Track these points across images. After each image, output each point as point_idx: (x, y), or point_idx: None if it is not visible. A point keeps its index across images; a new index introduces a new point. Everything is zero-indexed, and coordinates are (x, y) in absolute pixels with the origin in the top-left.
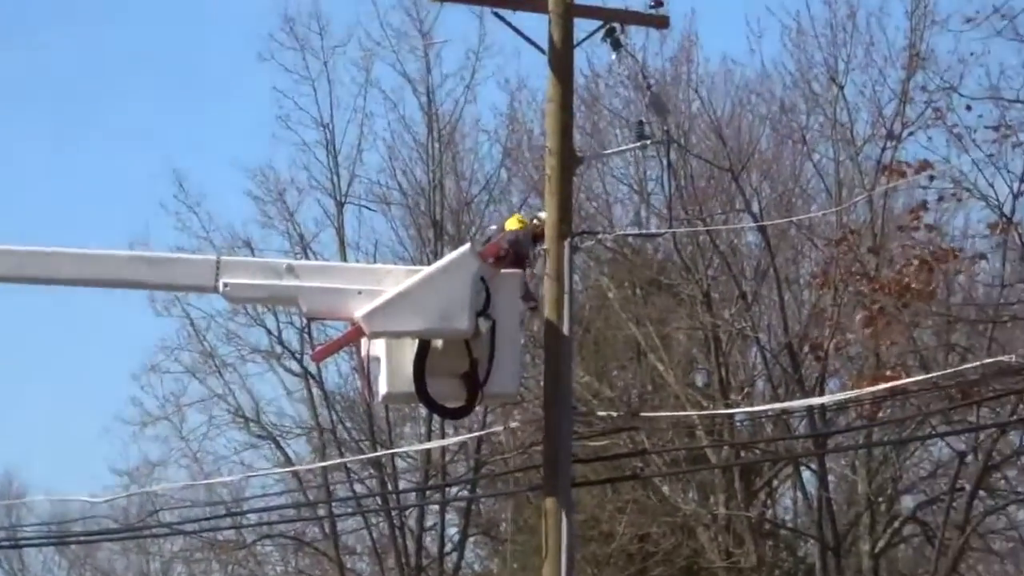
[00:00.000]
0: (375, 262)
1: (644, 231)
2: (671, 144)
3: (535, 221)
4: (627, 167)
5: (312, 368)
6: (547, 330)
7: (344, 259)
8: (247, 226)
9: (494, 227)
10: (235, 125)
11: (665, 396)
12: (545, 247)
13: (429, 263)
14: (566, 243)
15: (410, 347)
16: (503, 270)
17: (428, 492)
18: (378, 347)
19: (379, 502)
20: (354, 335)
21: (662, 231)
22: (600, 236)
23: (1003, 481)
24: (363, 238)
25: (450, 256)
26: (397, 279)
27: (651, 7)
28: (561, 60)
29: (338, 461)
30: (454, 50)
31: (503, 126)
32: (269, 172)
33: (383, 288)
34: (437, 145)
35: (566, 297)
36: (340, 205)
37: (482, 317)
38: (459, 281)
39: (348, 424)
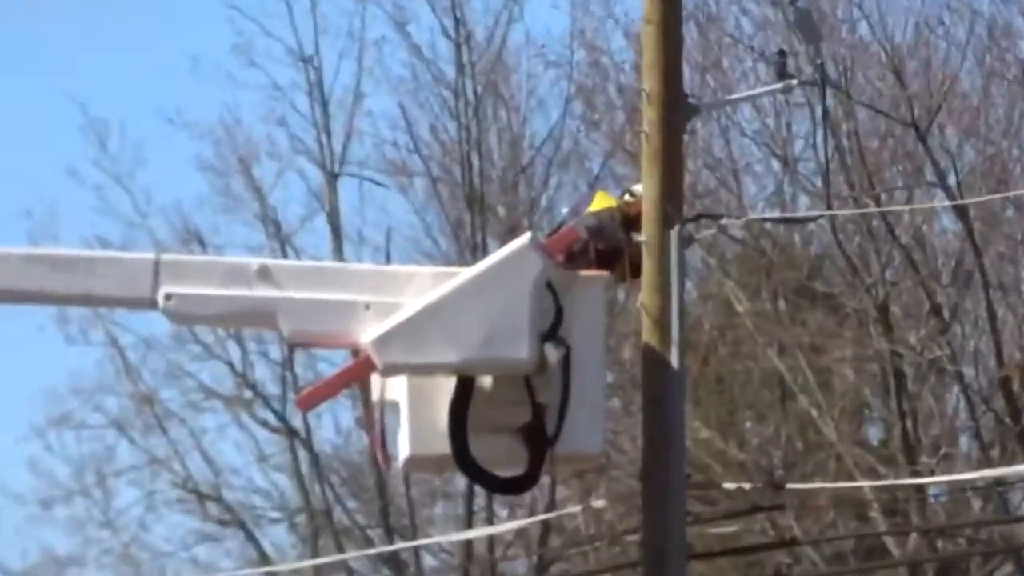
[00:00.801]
0: (388, 262)
1: (789, 215)
2: (827, 86)
3: (627, 198)
4: (762, 121)
5: (297, 420)
6: (646, 362)
7: (341, 257)
8: (199, 210)
9: (566, 209)
10: (177, 61)
11: (823, 459)
12: (641, 238)
13: (468, 262)
14: (672, 232)
15: (444, 389)
16: (580, 271)
17: None
18: (396, 389)
19: None
20: (359, 371)
21: (815, 214)
22: (724, 221)
23: None
24: (369, 226)
25: (501, 252)
26: (422, 287)
27: None
28: None
29: (337, 558)
30: None
31: (571, 56)
32: (228, 130)
33: (401, 300)
34: (472, 85)
35: (673, 312)
36: (333, 178)
37: (550, 343)
38: (515, 289)
39: (351, 504)
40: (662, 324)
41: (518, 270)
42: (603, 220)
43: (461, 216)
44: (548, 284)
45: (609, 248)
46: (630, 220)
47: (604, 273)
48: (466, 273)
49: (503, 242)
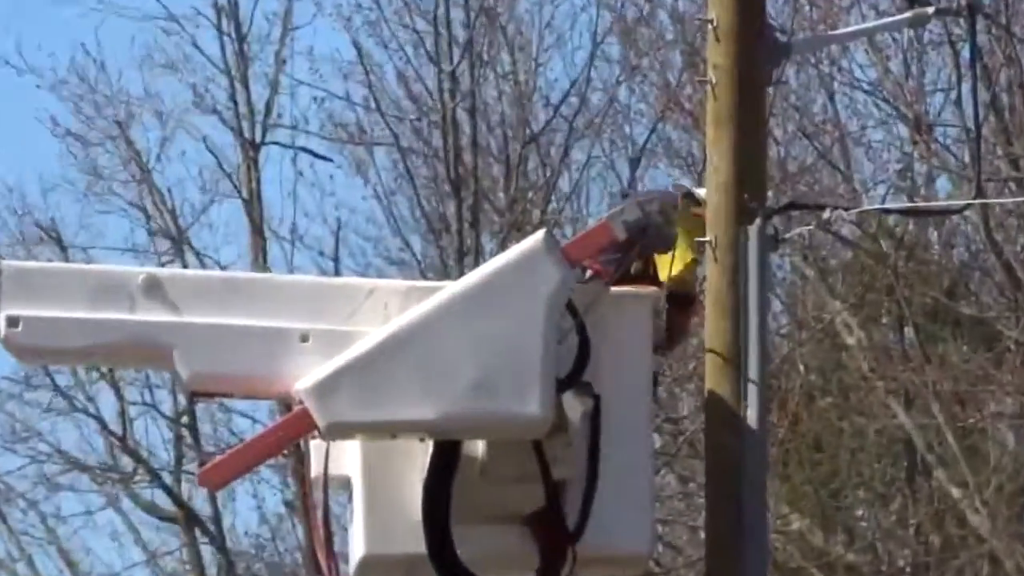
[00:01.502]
0: (337, 272)
1: (922, 204)
2: (979, 15)
3: (677, 190)
4: (883, 67)
5: (201, 503)
6: (711, 419)
7: (265, 266)
8: (53, 193)
9: (616, 205)
10: None
11: (969, 560)
12: (706, 238)
13: (454, 273)
14: (751, 229)
15: (416, 460)
16: (616, 288)
17: None
18: (346, 460)
19: None
20: (292, 432)
21: (960, 203)
22: (827, 213)
23: None
24: (308, 220)
25: (502, 259)
26: (386, 309)
27: None
28: None
29: None
30: None
31: None
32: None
33: (355, 328)
34: (463, 14)
35: (751, 346)
36: (253, 149)
37: (572, 391)
38: (521, 313)
39: None
40: (735, 363)
41: (526, 285)
42: (650, 211)
43: (443, 206)
44: (569, 305)
45: (658, 251)
46: (689, 215)
47: (652, 289)
48: (450, 289)
49: (504, 244)
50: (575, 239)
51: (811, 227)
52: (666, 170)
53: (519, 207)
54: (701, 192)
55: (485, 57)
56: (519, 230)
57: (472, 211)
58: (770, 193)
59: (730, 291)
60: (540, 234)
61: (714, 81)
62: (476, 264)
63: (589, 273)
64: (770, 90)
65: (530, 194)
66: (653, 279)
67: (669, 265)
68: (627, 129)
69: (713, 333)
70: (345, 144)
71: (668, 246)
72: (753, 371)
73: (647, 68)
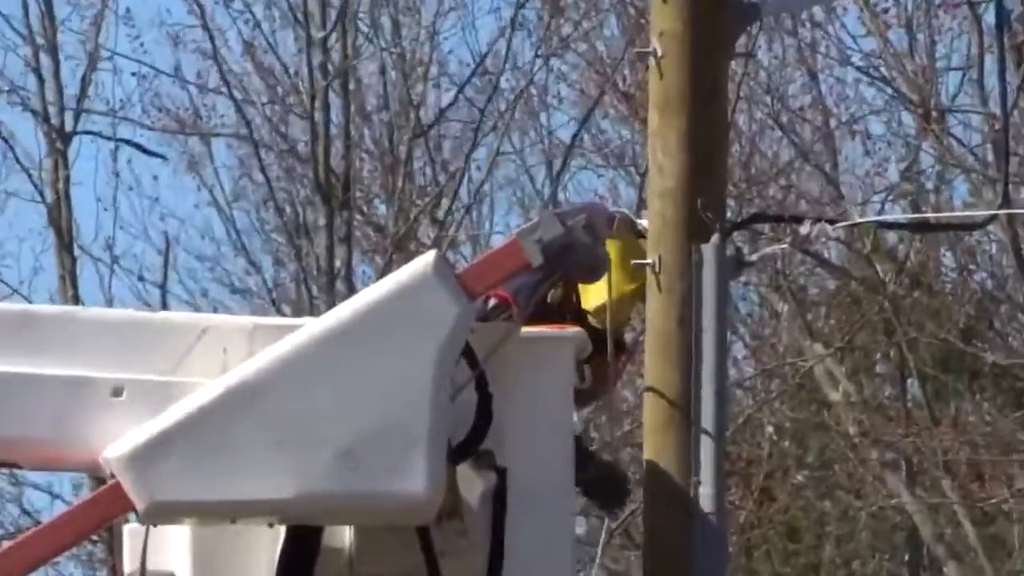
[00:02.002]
0: (164, 304)
1: (932, 215)
2: None
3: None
4: (880, 36)
5: None
6: (651, 494)
7: (75, 291)
8: None
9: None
10: None
11: None
12: (646, 261)
13: (315, 307)
14: (708, 247)
15: (263, 550)
16: (529, 327)
17: None
18: (171, 551)
19: None
20: (103, 513)
21: (983, 214)
22: (806, 228)
23: None
24: (128, 234)
25: (383, 287)
26: (222, 354)
27: None
28: None
29: None
30: None
31: None
32: None
33: (184, 379)
34: None
35: (706, 399)
36: (62, 140)
37: (470, 462)
38: (403, 358)
39: None
40: (684, 425)
41: (410, 323)
42: (574, 230)
43: (305, 217)
44: (467, 351)
45: (586, 280)
46: (620, 224)
47: (576, 330)
48: (311, 328)
49: (385, 269)
50: (476, 263)
51: (784, 246)
52: (598, 174)
53: (405, 220)
54: (646, 222)
55: (365, 25)
56: (404, 251)
57: (344, 225)
58: (731, 202)
59: (678, 330)
60: (430, 256)
61: (660, 53)
62: (347, 295)
63: (492, 305)
64: (734, 65)
65: (419, 203)
66: (576, 315)
67: (600, 296)
68: (547, 119)
69: (655, 384)
70: (176, 135)
71: (597, 273)
72: (707, 434)
73: (576, 39)
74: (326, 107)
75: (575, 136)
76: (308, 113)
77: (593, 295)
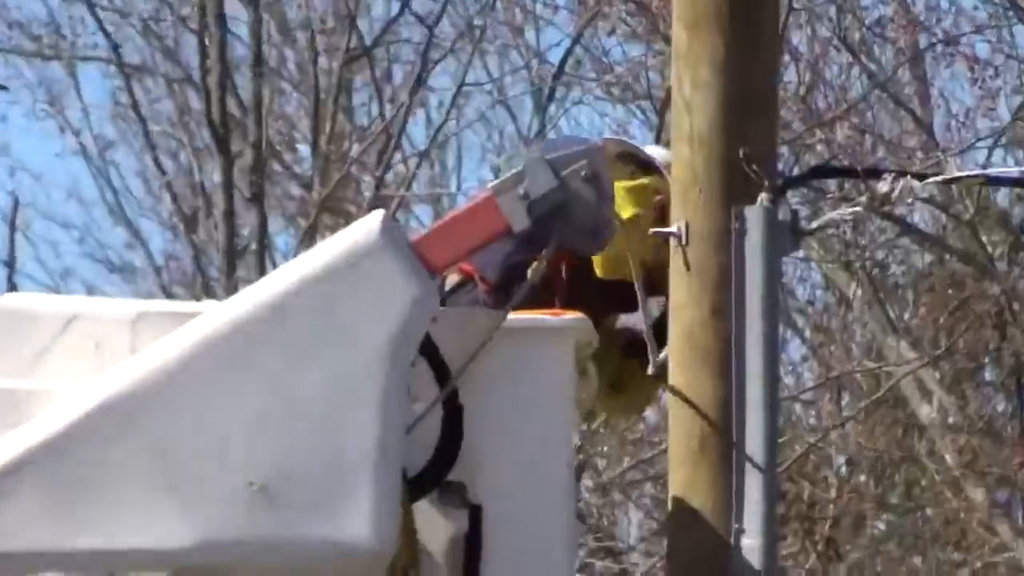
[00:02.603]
0: (10, 284)
1: None
2: None
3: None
4: None
5: None
6: (677, 546)
7: None
8: None
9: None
10: None
11: None
12: (669, 229)
13: (217, 289)
14: (754, 210)
15: None
16: (515, 315)
17: None
18: None
19: None
20: None
21: None
22: (890, 185)
23: None
24: None
25: (312, 262)
26: (93, 349)
27: None
28: None
29: None
30: None
31: None
32: None
33: (40, 385)
34: None
35: (754, 418)
36: None
37: (435, 498)
38: (342, 362)
39: None
40: (721, 450)
41: (349, 308)
42: (571, 181)
43: (201, 171)
44: (429, 348)
45: (589, 250)
46: (637, 185)
47: (577, 316)
48: (213, 316)
49: (310, 239)
50: (438, 226)
51: (857, 209)
52: (598, 109)
53: (336, 173)
54: (657, 152)
55: None
56: (336, 214)
57: (254, 181)
58: (784, 150)
59: (713, 323)
60: (375, 219)
61: None
62: (260, 272)
63: (452, 284)
64: None
65: (356, 148)
66: (571, 298)
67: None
68: (531, 38)
69: (685, 392)
70: (29, 59)
71: (601, 239)
72: (754, 465)
73: None
74: (221, 23)
75: (566, 54)
76: (201, 30)
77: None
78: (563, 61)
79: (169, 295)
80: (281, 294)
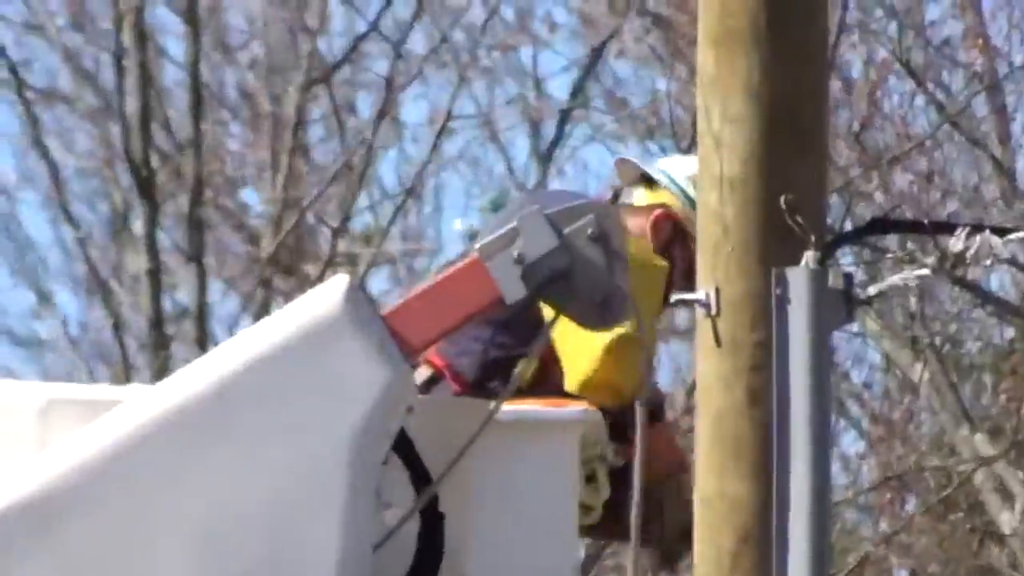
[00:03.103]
0: None
1: None
2: None
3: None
4: None
5: None
6: None
7: None
8: None
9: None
10: None
11: None
12: (695, 295)
13: (138, 371)
14: (798, 272)
15: None
16: (510, 405)
17: None
18: None
19: None
20: None
21: None
22: (963, 241)
23: None
24: None
25: (262, 335)
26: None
27: None
28: None
29: None
30: None
31: None
32: None
33: None
34: None
35: (799, 524)
36: None
37: None
38: (297, 462)
39: None
40: (759, 559)
41: (305, 396)
42: (575, 239)
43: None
44: (402, 444)
45: (594, 328)
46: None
47: (583, 409)
48: (139, 404)
49: (264, 305)
50: (415, 296)
51: (926, 272)
52: (610, 147)
53: (290, 222)
54: (680, 168)
55: None
56: (291, 275)
57: (191, 229)
58: (835, 197)
59: (749, 411)
60: (339, 285)
61: None
62: (200, 349)
63: (419, 377)
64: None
65: (315, 192)
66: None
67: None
68: (531, 61)
69: (713, 501)
70: None
71: (613, 314)
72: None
73: None
74: (140, 34)
75: (578, 85)
76: (118, 45)
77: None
78: (575, 92)
79: (89, 378)
80: (223, 378)
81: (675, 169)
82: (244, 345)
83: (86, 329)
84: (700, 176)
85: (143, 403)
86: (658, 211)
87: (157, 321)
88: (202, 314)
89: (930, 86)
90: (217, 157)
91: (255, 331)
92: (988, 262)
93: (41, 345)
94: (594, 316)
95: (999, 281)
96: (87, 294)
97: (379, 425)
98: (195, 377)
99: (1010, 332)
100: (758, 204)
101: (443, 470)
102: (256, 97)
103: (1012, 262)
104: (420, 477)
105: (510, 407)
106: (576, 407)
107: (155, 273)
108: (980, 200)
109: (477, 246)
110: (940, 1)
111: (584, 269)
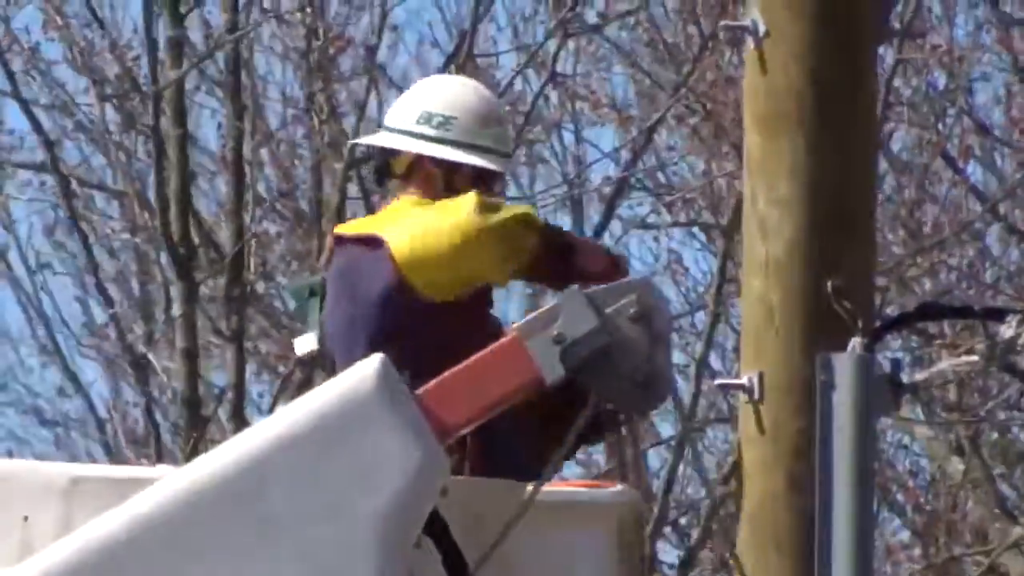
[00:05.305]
0: None
1: None
2: None
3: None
4: None
5: None
6: None
7: None
8: None
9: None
10: None
11: None
12: (736, 380)
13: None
14: (844, 359)
15: None
16: (550, 487)
17: None
18: None
19: None
20: None
21: None
22: (1020, 326)
23: None
24: None
25: (291, 418)
26: (22, 522)
27: None
28: None
29: None
30: None
31: None
32: None
33: None
34: None
35: None
36: None
37: None
38: (323, 541)
39: None
40: None
41: (337, 477)
42: (616, 320)
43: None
44: (435, 521)
45: (630, 410)
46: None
47: (622, 490)
48: (170, 483)
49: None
50: (450, 376)
51: (975, 358)
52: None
53: None
54: (397, 114)
55: None
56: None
57: (231, 313)
58: (881, 281)
59: (790, 498)
60: (372, 364)
61: (762, 30)
62: (237, 427)
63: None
64: (884, 53)
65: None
66: (620, 464)
67: None
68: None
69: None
70: None
71: (655, 397)
72: None
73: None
74: (180, 110)
75: (628, 167)
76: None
77: None
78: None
79: (114, 456)
80: (253, 459)
81: (394, 119)
82: (277, 425)
83: (115, 409)
84: (744, 260)
85: (172, 483)
86: (420, 171)
87: (191, 403)
88: (240, 397)
89: (978, 169)
90: (259, 242)
91: (288, 411)
92: None
93: (70, 426)
94: (635, 397)
95: None
96: (117, 375)
97: (411, 507)
98: (225, 457)
99: None
100: (803, 288)
101: (479, 555)
102: (296, 172)
103: None
104: (454, 561)
105: (548, 487)
106: (616, 488)
107: (189, 352)
108: None
109: (515, 325)
110: (992, 74)
111: (625, 349)
